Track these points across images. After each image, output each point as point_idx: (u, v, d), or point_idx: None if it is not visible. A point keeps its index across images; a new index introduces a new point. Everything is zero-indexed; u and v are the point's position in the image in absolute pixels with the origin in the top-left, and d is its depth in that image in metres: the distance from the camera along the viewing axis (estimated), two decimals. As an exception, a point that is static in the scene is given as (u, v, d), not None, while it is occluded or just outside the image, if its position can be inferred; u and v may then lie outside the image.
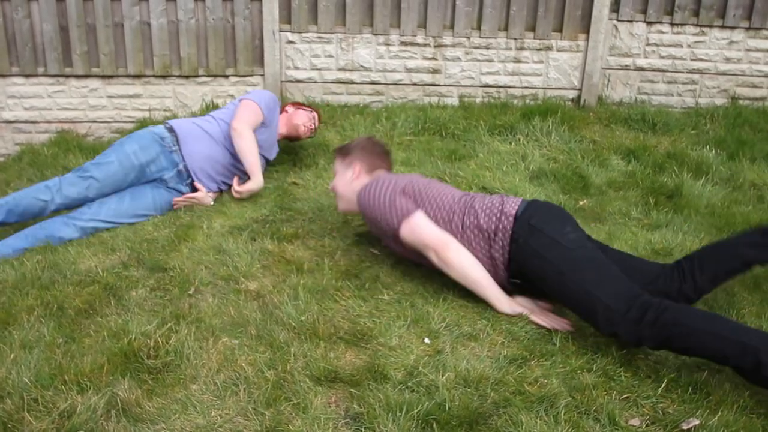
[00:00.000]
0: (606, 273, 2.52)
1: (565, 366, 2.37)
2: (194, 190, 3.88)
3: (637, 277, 2.59)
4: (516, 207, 2.73)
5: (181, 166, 3.84)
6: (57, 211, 3.63)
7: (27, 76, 5.50)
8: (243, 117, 3.92)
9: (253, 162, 3.88)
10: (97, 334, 2.54)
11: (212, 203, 3.84)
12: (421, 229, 2.77)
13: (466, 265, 2.72)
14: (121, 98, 5.57)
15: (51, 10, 5.34)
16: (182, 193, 3.87)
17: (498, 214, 2.72)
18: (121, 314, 2.66)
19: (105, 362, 2.34)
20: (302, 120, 4.33)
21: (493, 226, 2.71)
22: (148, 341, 2.41)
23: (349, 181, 3.16)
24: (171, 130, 3.89)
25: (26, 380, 2.24)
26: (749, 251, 2.66)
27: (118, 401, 2.16)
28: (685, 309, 2.37)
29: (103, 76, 5.53)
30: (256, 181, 3.86)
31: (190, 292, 2.83)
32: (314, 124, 4.40)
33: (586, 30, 5.55)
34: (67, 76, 5.52)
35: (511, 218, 2.70)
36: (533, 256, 2.62)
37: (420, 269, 2.98)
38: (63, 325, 2.61)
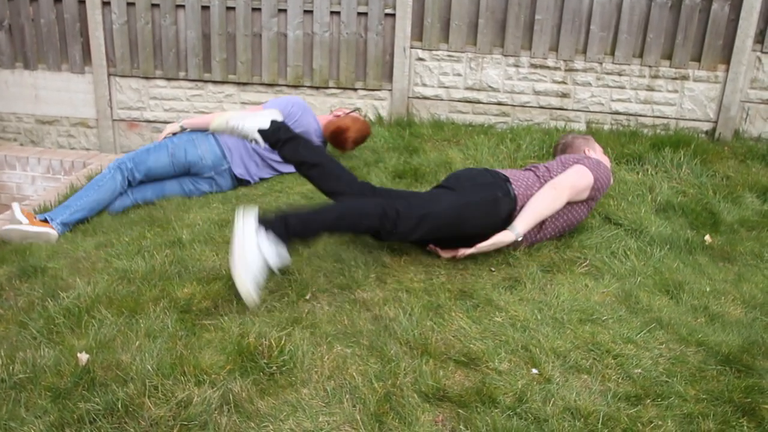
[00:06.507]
0: None
1: (682, 409, 2.28)
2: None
3: None
4: None
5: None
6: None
7: (169, 79, 5.81)
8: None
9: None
10: (217, 330, 2.63)
11: (180, 128, 4.30)
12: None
13: None
14: (253, 105, 5.77)
15: (196, 18, 5.62)
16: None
17: None
18: (240, 313, 2.75)
19: (222, 358, 2.43)
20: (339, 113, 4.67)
21: None
22: (264, 342, 2.48)
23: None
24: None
25: (149, 367, 2.35)
26: None
27: (232, 397, 2.23)
28: None
29: (238, 83, 5.77)
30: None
31: (307, 298, 2.89)
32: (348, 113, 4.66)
33: (727, 60, 5.33)
34: (206, 81, 5.79)
35: None
36: None
37: (535, 293, 2.94)
38: (185, 320, 2.72)
